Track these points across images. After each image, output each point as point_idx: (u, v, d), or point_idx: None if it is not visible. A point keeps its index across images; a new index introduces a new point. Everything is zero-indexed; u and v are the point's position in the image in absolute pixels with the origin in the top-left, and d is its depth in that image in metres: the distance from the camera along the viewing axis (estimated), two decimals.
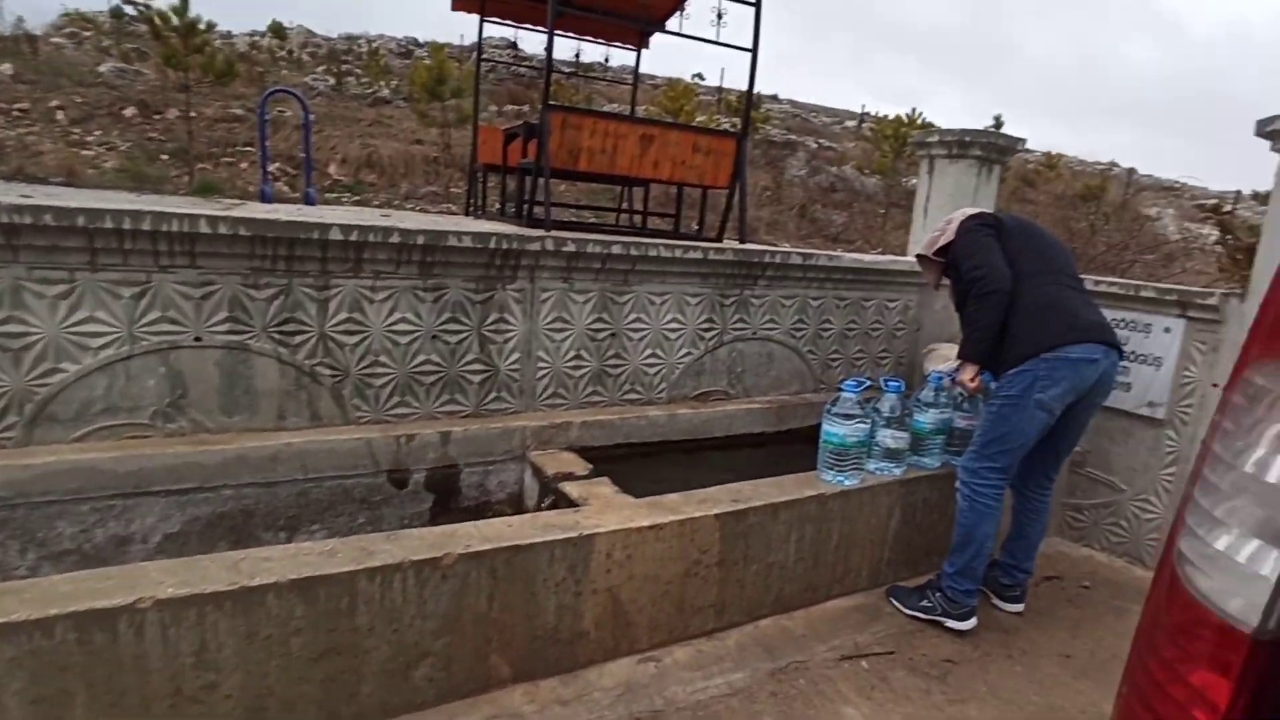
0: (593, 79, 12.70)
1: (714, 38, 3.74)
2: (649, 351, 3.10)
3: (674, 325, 3.14)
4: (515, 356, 2.79)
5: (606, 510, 2.16)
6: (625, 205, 5.19)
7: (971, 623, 2.45)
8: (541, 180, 3.27)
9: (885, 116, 19.01)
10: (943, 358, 3.33)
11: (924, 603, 2.51)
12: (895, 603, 2.59)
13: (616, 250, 2.85)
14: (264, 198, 5.33)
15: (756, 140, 16.55)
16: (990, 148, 3.77)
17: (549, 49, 3.35)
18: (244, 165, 11.28)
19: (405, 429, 2.54)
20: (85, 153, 10.41)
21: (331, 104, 14.52)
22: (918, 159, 4.18)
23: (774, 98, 23.37)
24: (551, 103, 3.22)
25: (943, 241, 2.57)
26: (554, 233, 2.92)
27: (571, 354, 2.91)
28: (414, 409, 2.63)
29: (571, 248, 2.76)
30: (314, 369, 2.43)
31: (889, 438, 2.62)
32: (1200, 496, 0.60)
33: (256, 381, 2.36)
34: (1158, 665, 0.63)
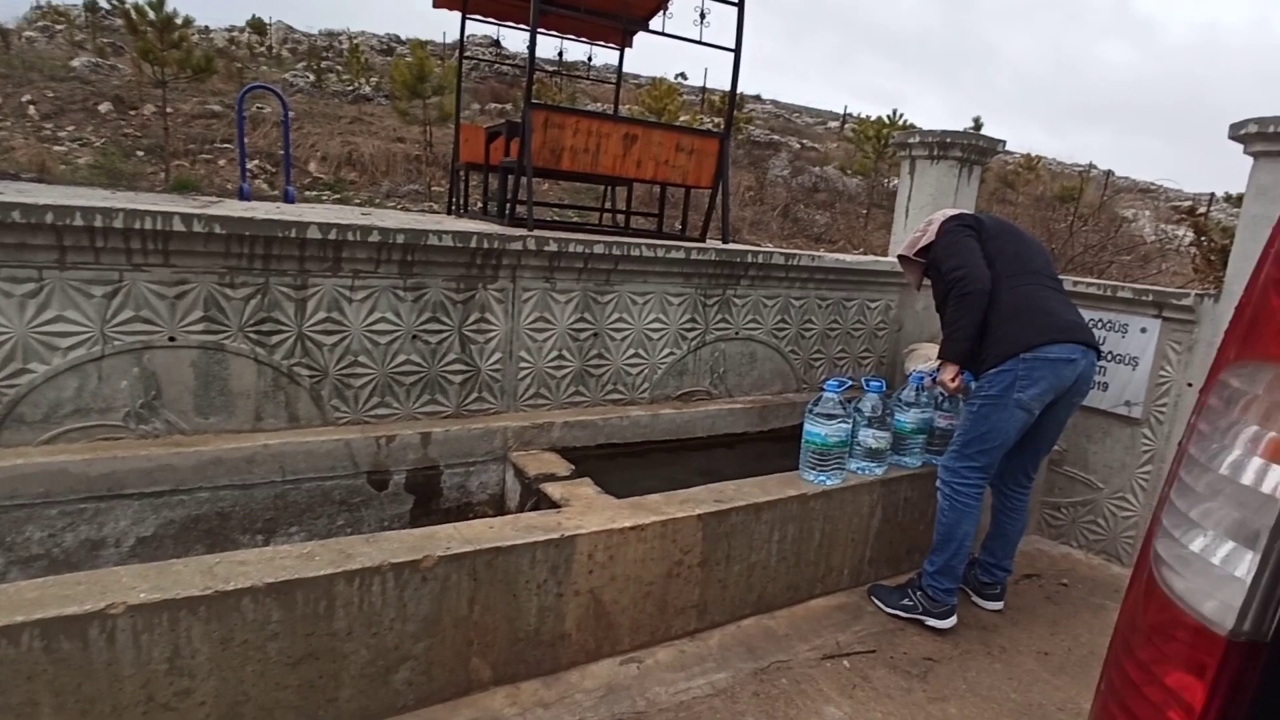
0: (576, 78, 12.67)
1: (697, 37, 3.74)
2: (631, 351, 3.09)
3: (657, 325, 3.13)
4: (497, 357, 2.77)
5: (588, 511, 2.15)
6: (608, 205, 5.18)
7: (952, 621, 2.47)
8: (524, 179, 3.25)
9: (867, 118, 19.15)
10: (924, 357, 3.36)
11: (905, 601, 2.53)
12: (877, 601, 2.60)
13: (599, 250, 2.84)
14: (242, 195, 5.26)
15: (740, 140, 16.60)
16: (970, 149, 3.80)
17: (531, 47, 3.33)
18: (222, 162, 11.14)
19: (385, 430, 2.51)
20: (58, 148, 10.22)
21: (312, 101, 14.37)
22: (899, 160, 4.20)
23: (757, 98, 23.46)
24: (534, 101, 3.20)
25: (924, 242, 2.59)
26: (536, 232, 2.90)
27: (553, 354, 2.90)
28: (394, 410, 2.60)
29: (553, 247, 2.75)
30: (292, 369, 2.40)
31: (870, 437, 2.63)
32: (1176, 498, 0.61)
33: (233, 382, 2.32)
34: (1133, 666, 0.63)
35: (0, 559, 1.97)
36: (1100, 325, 3.23)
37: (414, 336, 2.59)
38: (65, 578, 1.54)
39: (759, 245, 8.06)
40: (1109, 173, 21.17)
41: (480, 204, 4.94)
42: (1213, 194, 18.27)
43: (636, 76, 21.13)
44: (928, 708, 2.09)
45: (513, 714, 1.89)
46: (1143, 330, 3.11)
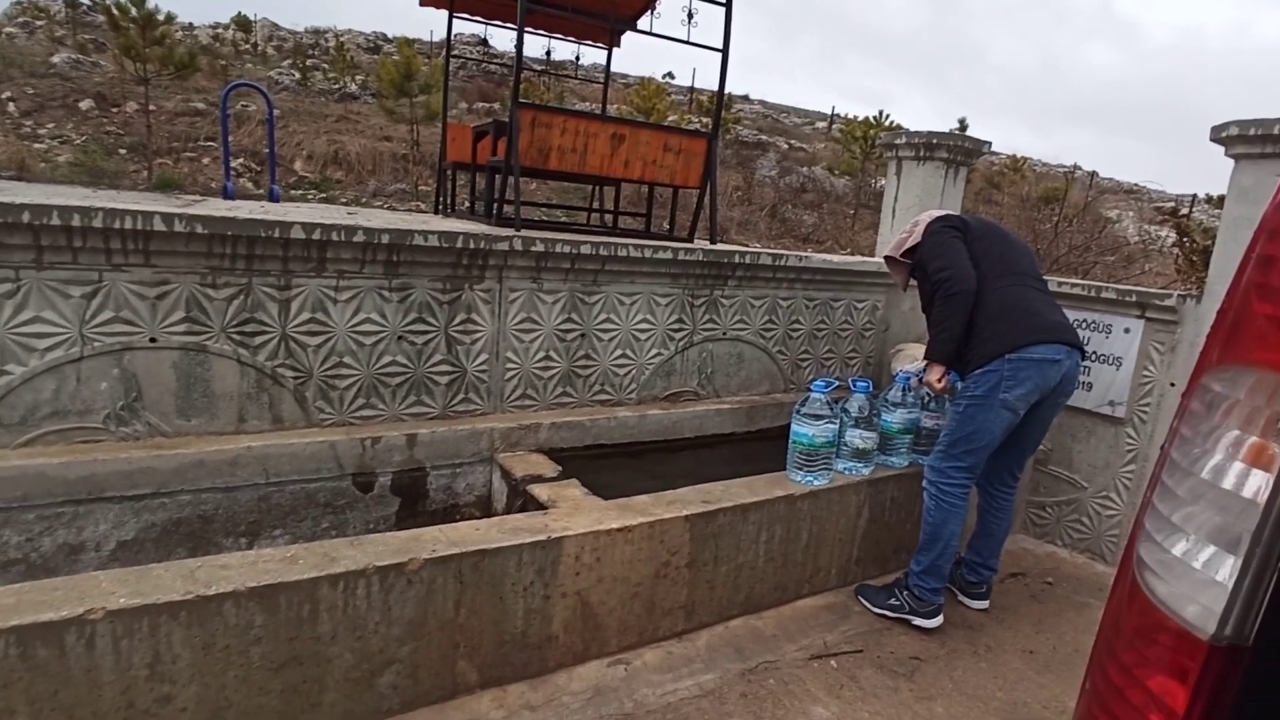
0: (564, 77, 12.65)
1: (685, 37, 3.73)
2: (619, 352, 3.09)
3: (644, 325, 3.13)
4: (483, 357, 2.76)
5: (575, 513, 2.14)
6: (596, 205, 5.17)
7: (938, 620, 2.48)
8: (511, 179, 3.24)
9: (854, 118, 19.23)
10: (910, 358, 3.37)
11: (892, 601, 2.54)
12: (864, 601, 2.61)
13: (586, 250, 2.83)
14: (226, 194, 5.21)
15: (728, 140, 16.63)
16: (956, 150, 3.82)
17: (519, 46, 3.32)
18: (206, 161, 11.03)
19: (370, 431, 2.49)
20: (37, 146, 10.09)
21: (297, 99, 14.26)
22: (886, 161, 4.22)
23: (745, 98, 23.51)
24: (522, 100, 3.19)
25: (910, 243, 2.60)
26: (523, 232, 2.89)
27: (540, 355, 2.89)
28: (379, 411, 2.58)
29: (540, 247, 2.74)
30: (275, 370, 2.38)
31: (857, 437, 2.64)
32: (1158, 502, 0.61)
33: (215, 384, 2.29)
34: (1116, 669, 0.63)
35: None
36: (1084, 325, 3.25)
37: (400, 337, 2.57)
38: (42, 583, 1.51)
39: (747, 245, 8.08)
40: (1093, 174, 21.38)
41: (467, 203, 4.92)
42: (1195, 195, 18.50)
43: (625, 76, 21.12)
44: (914, 707, 2.09)
45: (499, 717, 1.88)
46: (1126, 331, 3.14)
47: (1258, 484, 0.52)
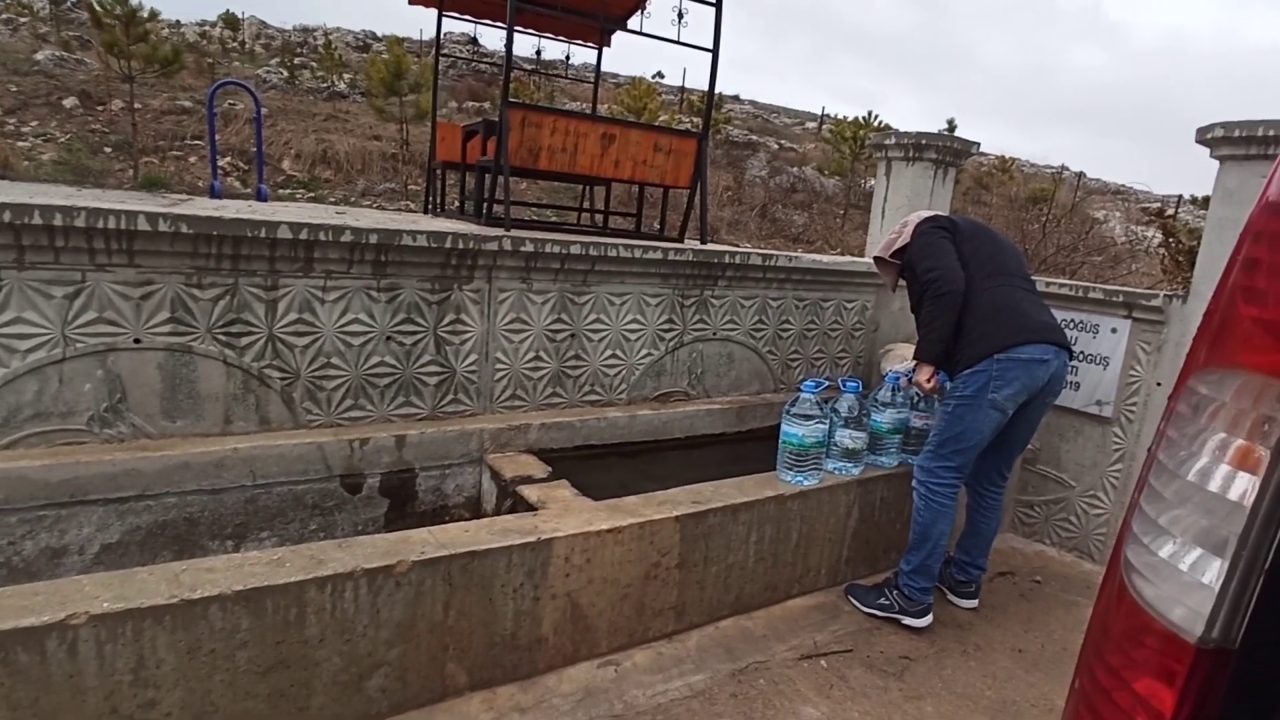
0: (554, 77, 12.62)
1: (675, 37, 3.73)
2: (609, 352, 3.08)
3: (634, 326, 3.12)
4: (472, 358, 2.75)
5: (565, 514, 2.14)
6: (586, 205, 5.16)
7: (928, 619, 2.49)
8: (501, 178, 3.22)
9: (844, 119, 19.30)
10: (899, 358, 3.38)
11: (881, 600, 2.54)
12: (854, 601, 2.61)
13: (575, 250, 2.83)
14: (214, 193, 5.16)
15: (718, 140, 16.64)
16: (945, 150, 3.83)
17: (508, 45, 3.30)
18: (193, 159, 10.93)
19: (359, 432, 2.47)
20: (20, 144, 9.97)
21: (285, 97, 14.16)
22: (875, 161, 4.23)
23: (735, 98, 23.54)
24: (511, 100, 3.18)
25: (899, 244, 2.61)
26: (513, 232, 2.87)
27: (530, 355, 2.88)
28: (368, 412, 2.57)
29: (530, 247, 2.73)
30: (262, 371, 2.36)
31: (847, 437, 2.64)
32: (1146, 504, 0.61)
33: (201, 385, 2.27)
34: (1104, 671, 0.63)
35: None
36: (1072, 325, 3.27)
37: (388, 338, 2.55)
38: (23, 587, 1.49)
39: (737, 245, 8.09)
40: (1081, 174, 21.54)
41: (457, 203, 4.89)
42: (1180, 196, 18.67)
43: (615, 76, 21.11)
44: (904, 706, 2.10)
45: (489, 719, 1.87)
46: (1113, 331, 3.16)
47: (1244, 486, 0.52)
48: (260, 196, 5.51)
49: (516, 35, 3.38)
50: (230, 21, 19.46)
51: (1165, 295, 3.04)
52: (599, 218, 4.84)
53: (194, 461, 2.18)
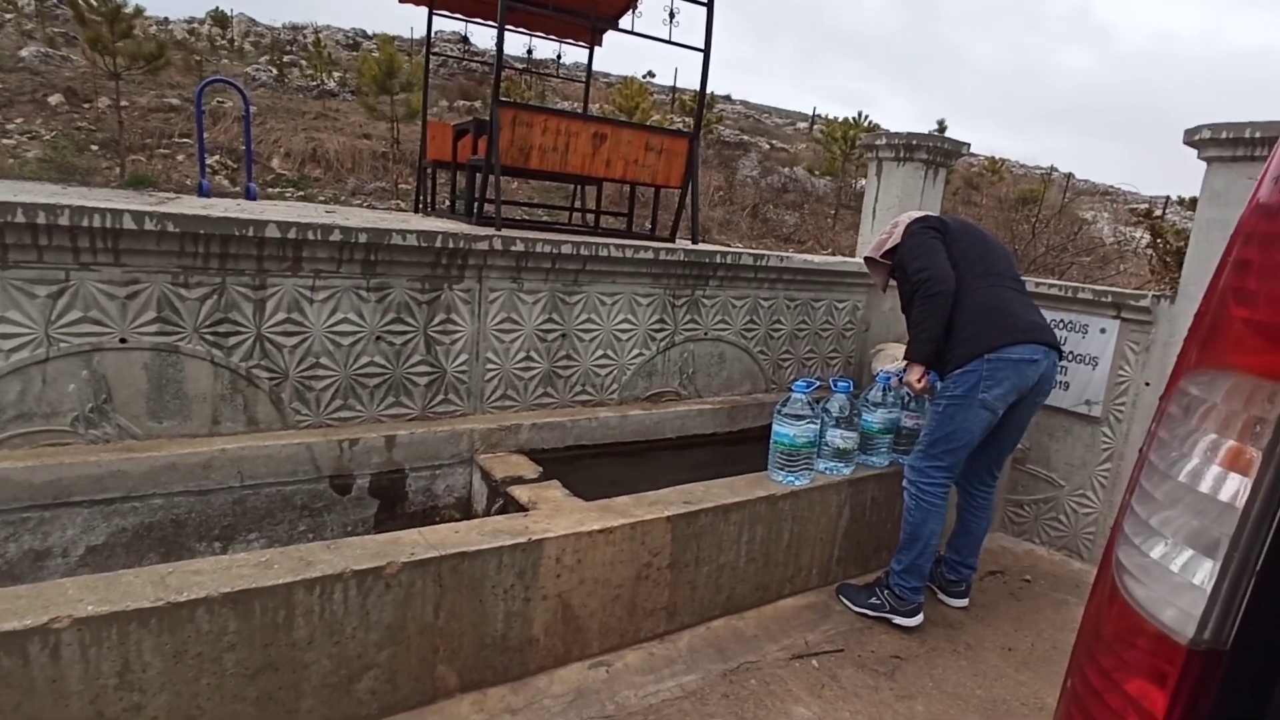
0: (545, 76, 12.59)
1: (667, 37, 3.73)
2: (600, 352, 3.07)
3: (625, 326, 3.12)
4: (463, 358, 2.73)
5: (556, 514, 2.13)
6: (578, 204, 5.15)
7: (918, 619, 2.50)
8: (492, 178, 3.21)
9: (835, 119, 19.35)
10: (890, 357, 3.39)
11: (872, 600, 2.55)
12: (845, 600, 2.61)
13: (566, 250, 2.82)
14: (202, 192, 5.12)
15: (709, 140, 16.66)
16: (936, 151, 3.84)
17: (499, 44, 3.29)
18: (181, 158, 10.85)
19: (348, 433, 2.46)
20: (5, 142, 9.87)
21: (275, 96, 14.07)
22: (866, 161, 4.24)
23: (727, 98, 23.57)
24: (502, 99, 3.17)
25: (890, 244, 2.61)
26: (504, 231, 2.86)
27: (521, 355, 2.86)
28: (357, 412, 2.55)
29: (520, 247, 2.72)
30: (250, 372, 2.34)
31: (838, 437, 2.65)
32: (1137, 505, 0.61)
33: (188, 385, 2.25)
34: (1095, 672, 0.63)
35: None
36: (1061, 326, 3.29)
37: (378, 338, 2.54)
38: (5, 591, 1.47)
39: (728, 245, 8.09)
40: (1069, 175, 21.69)
41: (448, 202, 4.88)
42: (1168, 197, 18.82)
43: (606, 75, 21.10)
44: (895, 706, 2.10)
45: None
46: (1102, 331, 3.18)
47: (1235, 488, 0.52)
48: (249, 195, 5.47)
49: (508, 34, 3.36)
50: (219, 19, 19.32)
51: (1153, 296, 3.05)
52: (590, 217, 4.83)
53: (181, 463, 2.15)
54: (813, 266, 3.64)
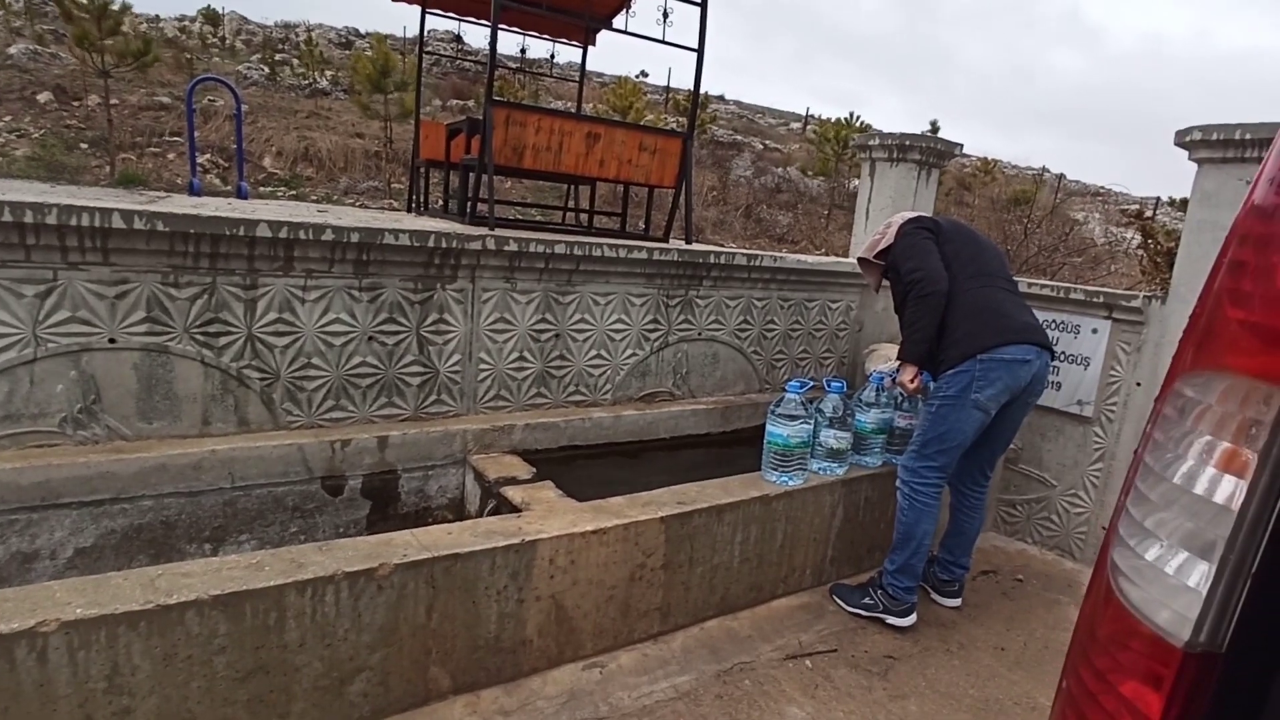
0: (539, 75, 12.57)
1: (660, 36, 3.72)
2: (594, 352, 3.07)
3: (619, 326, 3.11)
4: (456, 358, 2.72)
5: (550, 515, 2.12)
6: (571, 204, 5.14)
7: (911, 619, 2.50)
8: (485, 177, 3.20)
9: (828, 119, 19.39)
10: (883, 358, 3.39)
11: (866, 600, 2.55)
12: (838, 600, 2.62)
13: (560, 250, 2.81)
14: (193, 191, 5.09)
15: (703, 140, 16.67)
16: (929, 152, 3.85)
17: (492, 43, 3.28)
18: (171, 156, 10.78)
19: (340, 434, 2.44)
20: None
21: (266, 94, 14.00)
22: (859, 162, 4.25)
23: (720, 98, 23.58)
24: (496, 98, 3.15)
25: (883, 245, 2.61)
26: (497, 231, 2.85)
27: (514, 355, 2.86)
28: (350, 413, 2.54)
29: (514, 247, 2.71)
30: (241, 372, 2.32)
31: (832, 438, 2.65)
32: (1132, 507, 0.61)
33: (178, 385, 2.23)
34: (1090, 675, 0.63)
35: None
36: (1053, 326, 3.30)
37: (370, 338, 2.52)
38: None
39: (722, 245, 8.10)
40: (1061, 176, 21.79)
41: (441, 202, 4.86)
42: (1159, 198, 18.95)
43: (600, 75, 21.08)
44: (888, 706, 2.10)
45: None
46: (1094, 331, 3.19)
47: (1230, 489, 0.52)
48: (240, 194, 5.44)
49: (501, 33, 3.35)
50: (210, 17, 19.20)
51: (1145, 296, 3.07)
52: (584, 217, 4.82)
53: (171, 464, 2.14)
54: (806, 267, 3.64)
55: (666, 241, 3.67)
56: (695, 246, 3.57)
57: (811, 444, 2.60)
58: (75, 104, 11.39)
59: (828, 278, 3.75)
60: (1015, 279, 2.63)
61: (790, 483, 2.52)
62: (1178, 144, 2.90)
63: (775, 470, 2.52)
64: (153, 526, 2.15)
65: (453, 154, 4.09)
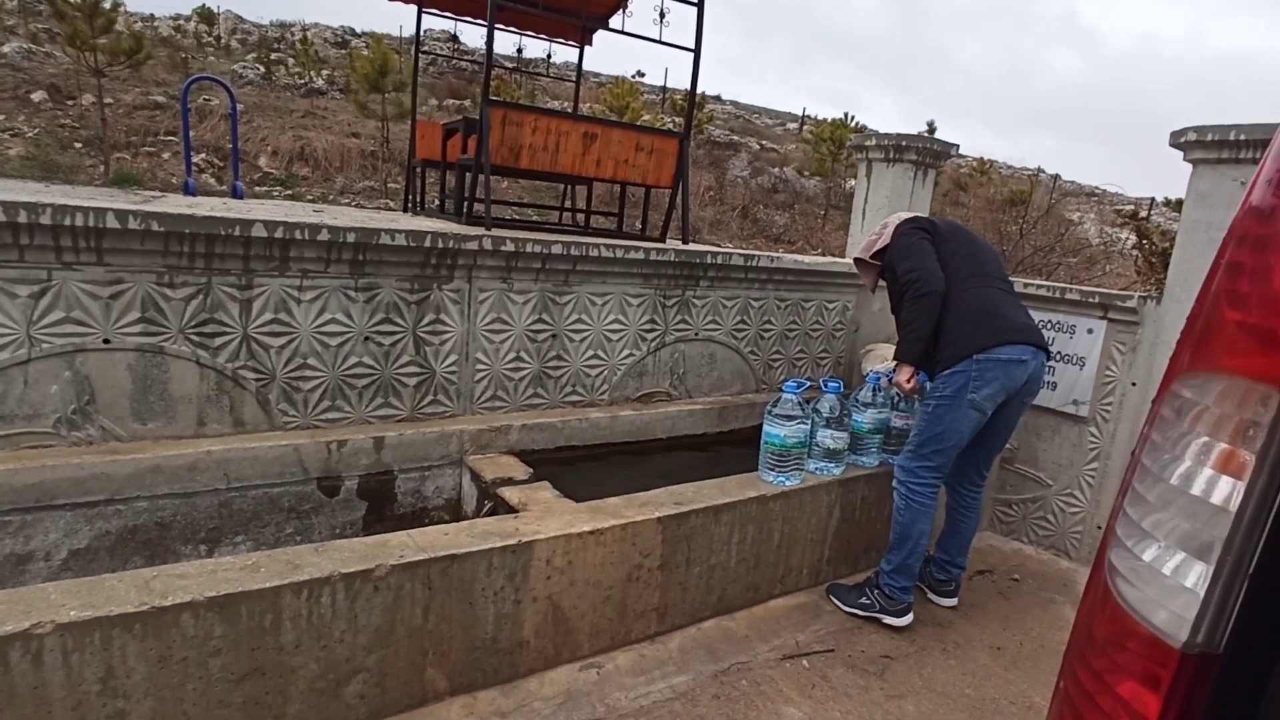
0: (535, 75, 12.56)
1: (657, 36, 3.72)
2: (590, 353, 3.06)
3: (616, 326, 3.11)
4: (452, 358, 2.72)
5: (547, 516, 2.12)
6: (568, 204, 5.13)
7: (908, 618, 2.50)
8: (481, 177, 3.20)
9: (824, 120, 19.42)
10: (880, 358, 3.40)
11: (863, 600, 2.55)
12: (835, 600, 2.62)
13: (557, 250, 2.81)
14: (188, 190, 5.08)
15: (700, 140, 16.67)
16: (925, 152, 3.86)
17: (489, 43, 3.27)
18: (167, 156, 10.74)
19: (336, 434, 2.44)
20: None
21: (262, 94, 13.97)
22: (856, 162, 4.25)
23: (717, 98, 23.60)
24: (492, 98, 3.15)
25: (879, 245, 2.62)
26: (493, 231, 2.85)
27: (511, 355, 2.85)
28: (346, 414, 2.53)
29: (510, 247, 2.70)
30: (237, 373, 2.31)
31: (829, 438, 2.65)
32: (1129, 507, 0.61)
33: (173, 386, 2.22)
34: (1087, 675, 0.63)
35: None
36: (1049, 326, 3.31)
37: (366, 338, 2.52)
38: None
39: (719, 246, 8.10)
40: (1056, 177, 21.86)
41: (437, 202, 4.85)
42: (1153, 198, 19.01)
43: (597, 75, 21.08)
44: (885, 705, 2.11)
45: None
46: (1089, 331, 3.20)
47: (1228, 490, 0.52)
48: (236, 194, 5.43)
49: (497, 33, 3.35)
50: (205, 16, 19.15)
51: (1140, 296, 3.08)
52: (580, 217, 4.82)
53: (166, 465, 2.13)
54: (803, 267, 3.64)
55: (663, 241, 3.67)
56: (692, 247, 3.58)
57: (808, 444, 2.61)
58: (69, 103, 11.34)
59: (824, 278, 3.75)
60: (1011, 279, 2.63)
61: (787, 483, 2.52)
62: (1173, 145, 2.91)
63: (772, 470, 2.52)
64: (147, 528, 2.14)
65: (449, 154, 4.08)
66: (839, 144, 15.74)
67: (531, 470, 2.54)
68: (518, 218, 6.74)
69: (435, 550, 1.83)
